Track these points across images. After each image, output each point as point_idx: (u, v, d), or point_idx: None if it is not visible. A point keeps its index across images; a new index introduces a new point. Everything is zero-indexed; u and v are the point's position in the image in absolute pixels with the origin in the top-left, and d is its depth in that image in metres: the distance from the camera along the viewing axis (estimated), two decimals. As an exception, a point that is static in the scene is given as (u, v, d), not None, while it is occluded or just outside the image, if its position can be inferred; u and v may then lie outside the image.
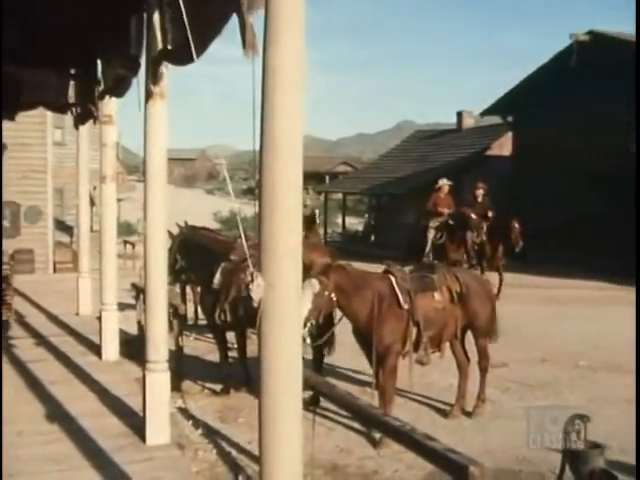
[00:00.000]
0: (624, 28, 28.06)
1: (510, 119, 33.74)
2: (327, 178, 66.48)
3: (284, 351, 4.53)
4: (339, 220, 49.58)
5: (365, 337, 8.75)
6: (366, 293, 8.65)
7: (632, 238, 21.96)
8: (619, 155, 25.75)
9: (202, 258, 11.02)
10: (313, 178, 70.44)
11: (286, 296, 4.52)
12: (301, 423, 4.87)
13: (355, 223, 52.14)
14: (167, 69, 7.31)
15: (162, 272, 8.17)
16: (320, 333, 9.24)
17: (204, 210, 52.43)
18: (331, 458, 8.09)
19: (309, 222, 22.10)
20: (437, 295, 9.19)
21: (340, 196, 50.42)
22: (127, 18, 7.41)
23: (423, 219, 22.28)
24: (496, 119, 36.53)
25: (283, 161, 4.46)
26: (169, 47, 6.52)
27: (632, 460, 7.49)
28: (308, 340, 8.38)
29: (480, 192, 22.29)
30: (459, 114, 43.77)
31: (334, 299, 8.42)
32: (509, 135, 34.94)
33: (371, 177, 43.00)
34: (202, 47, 5.33)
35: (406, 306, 8.78)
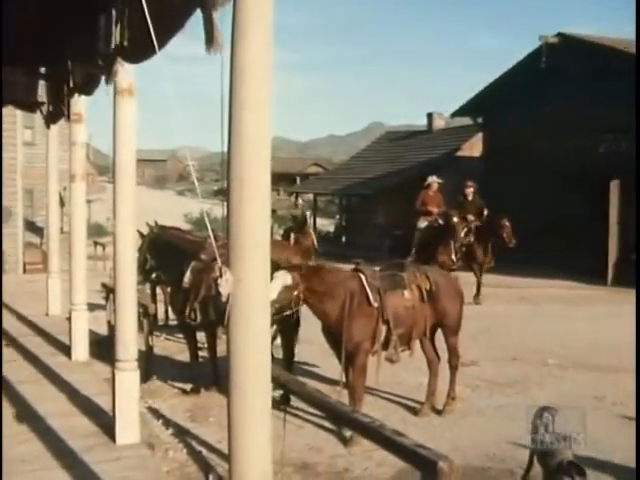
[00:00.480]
0: (592, 30, 28.36)
1: (480, 120, 33.79)
2: (298, 179, 66.52)
3: (252, 346, 4.53)
4: (310, 221, 49.53)
5: (335, 335, 8.75)
6: (336, 291, 8.66)
7: (603, 237, 22.21)
8: (589, 155, 25.92)
9: (172, 257, 10.99)
10: (284, 179, 70.52)
11: (254, 291, 4.52)
12: (270, 419, 4.86)
13: (326, 224, 52.12)
14: (123, 66, 7.26)
15: (131, 271, 8.15)
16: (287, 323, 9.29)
17: (175, 211, 52.26)
18: (301, 456, 8.09)
19: (301, 223, 22.32)
20: (407, 293, 9.19)
21: (311, 197, 50.43)
22: (96, 15, 7.36)
23: (411, 219, 21.45)
24: (467, 120, 36.64)
25: (251, 156, 4.45)
26: (125, 44, 6.47)
27: (600, 455, 7.61)
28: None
29: (470, 190, 22.17)
30: (429, 115, 43.91)
31: (301, 297, 8.43)
32: (479, 136, 34.98)
33: (342, 178, 43.03)
34: (162, 43, 5.28)
35: (376, 304, 8.78)
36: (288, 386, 6.63)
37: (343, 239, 41.16)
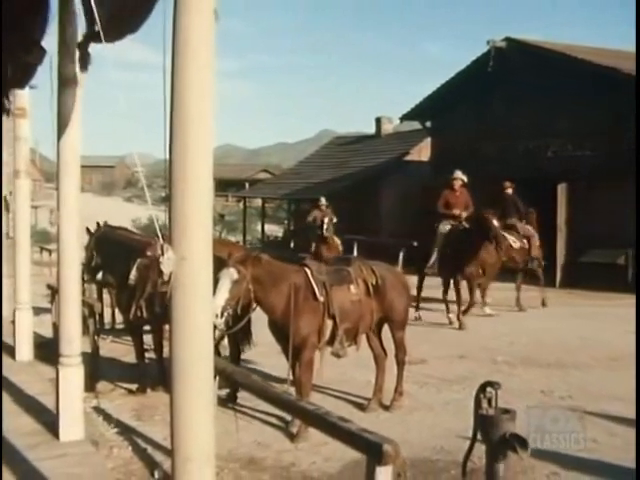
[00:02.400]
0: (539, 36, 28.65)
1: (429, 124, 33.91)
2: (247, 185, 66.36)
3: (195, 324, 4.48)
4: (259, 227, 49.45)
5: (281, 330, 8.70)
6: (282, 285, 8.61)
7: (551, 240, 22.43)
8: (537, 159, 26.19)
9: (118, 255, 10.89)
10: (233, 185, 70.43)
11: (197, 270, 4.46)
12: (213, 399, 4.83)
13: (275, 230, 52.08)
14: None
15: (75, 266, 8.06)
16: (236, 325, 9.17)
17: (123, 217, 51.75)
18: (248, 452, 8.06)
19: (322, 229, 22.14)
20: (353, 288, 9.17)
21: (259, 203, 50.37)
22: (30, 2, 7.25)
23: (433, 220, 18.13)
24: (416, 125, 36.71)
25: (193, 128, 4.40)
26: (96, 28, 6.36)
27: (547, 447, 7.66)
28: (222, 326, 8.31)
29: (509, 191, 20.18)
30: (378, 120, 43.94)
31: (251, 289, 8.37)
32: (428, 140, 35.11)
33: (290, 183, 42.97)
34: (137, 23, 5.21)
35: (322, 298, 8.75)
36: (234, 377, 6.59)
37: (292, 244, 41.10)
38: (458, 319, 16.08)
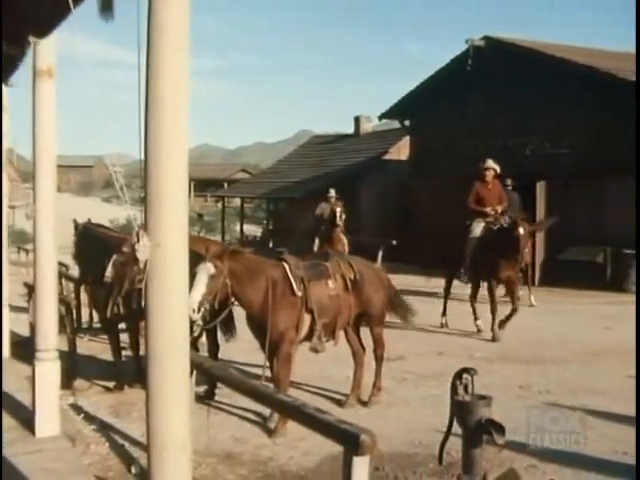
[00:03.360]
0: (518, 35, 28.67)
1: (408, 123, 33.87)
2: (225, 185, 66.26)
3: (171, 311, 4.44)
4: (238, 227, 49.37)
5: (259, 325, 8.66)
6: (260, 280, 8.59)
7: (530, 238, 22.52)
8: (516, 157, 26.23)
9: (93, 252, 10.83)
10: (211, 185, 70.32)
11: (173, 257, 4.43)
12: (189, 386, 4.80)
13: (254, 230, 51.99)
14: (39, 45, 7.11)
15: (51, 263, 8.03)
16: (214, 320, 9.11)
17: (101, 218, 51.45)
18: (225, 447, 8.06)
19: (330, 225, 20.88)
20: (331, 283, 9.16)
21: (238, 203, 50.30)
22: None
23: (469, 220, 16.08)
24: (396, 124, 36.67)
25: (168, 113, 4.36)
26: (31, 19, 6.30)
27: (525, 439, 7.70)
28: (199, 321, 8.28)
29: (509, 188, 19.32)
30: (357, 119, 43.90)
31: (229, 284, 8.33)
32: (407, 139, 35.06)
33: (268, 182, 42.86)
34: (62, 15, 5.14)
35: (300, 293, 8.73)
36: (211, 371, 6.56)
37: (270, 243, 41.04)
38: (492, 330, 14.49)
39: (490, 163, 16.45)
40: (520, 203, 19.96)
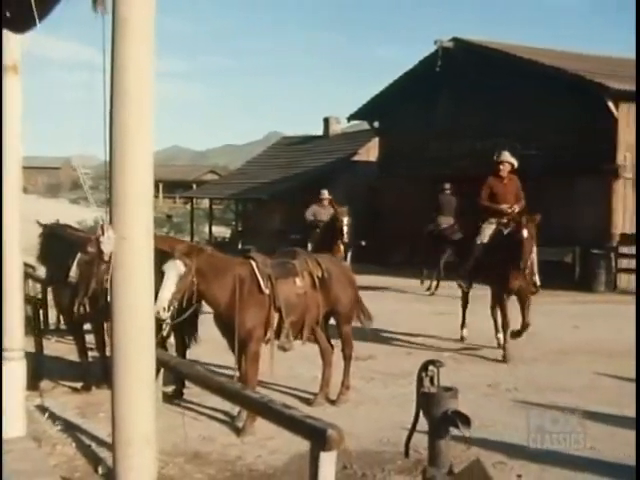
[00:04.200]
0: (485, 37, 28.77)
1: (377, 124, 33.91)
2: (194, 186, 66.09)
3: (136, 303, 4.42)
4: (207, 229, 49.21)
5: (226, 323, 8.59)
6: (227, 278, 8.51)
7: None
8: (485, 159, 26.27)
9: (59, 251, 10.71)
10: (180, 186, 70.10)
11: (137, 248, 4.41)
12: (154, 382, 4.77)
13: (223, 231, 51.83)
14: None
15: (16, 263, 7.95)
16: (183, 319, 9.02)
17: (69, 219, 51.24)
18: (193, 446, 7.98)
19: (329, 230, 18.61)
20: (299, 280, 9.11)
21: (207, 205, 50.16)
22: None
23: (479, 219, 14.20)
24: (365, 126, 36.71)
25: (133, 108, 4.34)
26: (7, 13, 6.25)
27: (493, 436, 7.74)
28: (169, 320, 8.22)
29: (447, 192, 19.53)
30: (326, 120, 43.97)
31: (195, 282, 8.26)
32: (376, 140, 35.12)
33: (237, 183, 42.78)
34: (44, 12, 5.13)
35: (267, 291, 8.68)
36: (178, 369, 6.53)
37: (239, 245, 40.95)
38: (503, 347, 12.72)
39: (506, 156, 14.28)
40: (455, 205, 20.08)
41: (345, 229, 18.01)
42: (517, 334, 12.82)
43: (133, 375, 4.46)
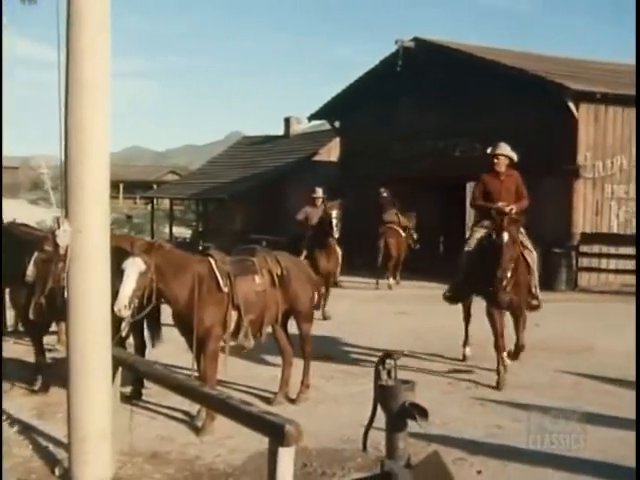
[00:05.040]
0: (445, 37, 28.81)
1: (337, 124, 33.81)
2: (155, 187, 65.75)
3: (92, 296, 4.38)
4: (167, 230, 48.91)
5: (185, 321, 8.51)
6: (185, 275, 8.43)
7: (458, 239, 22.76)
8: (446, 159, 26.37)
9: (15, 250, 10.57)
10: (140, 187, 69.72)
11: (93, 242, 4.37)
12: (110, 376, 4.72)
13: (183, 232, 51.57)
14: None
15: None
16: (142, 318, 8.92)
17: (28, 219, 50.86)
18: (152, 446, 7.94)
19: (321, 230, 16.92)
20: (258, 278, 9.04)
21: (168, 205, 49.92)
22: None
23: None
24: (327, 126, 36.56)
25: (89, 100, 4.29)
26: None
27: (452, 432, 7.77)
28: (129, 318, 8.11)
29: (384, 195, 19.24)
30: (287, 120, 43.90)
31: (154, 279, 8.11)
32: (337, 140, 35.03)
33: (198, 183, 42.51)
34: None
35: (226, 289, 8.61)
36: (136, 367, 6.46)
37: (200, 245, 40.78)
38: (497, 371, 10.76)
39: (502, 148, 11.95)
40: (395, 203, 20.19)
41: (334, 222, 16.59)
42: (514, 356, 11.44)
43: (89, 370, 4.42)
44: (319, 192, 19.04)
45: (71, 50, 4.27)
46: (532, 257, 11.35)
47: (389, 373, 4.98)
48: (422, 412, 4.69)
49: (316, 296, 10.40)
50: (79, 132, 4.30)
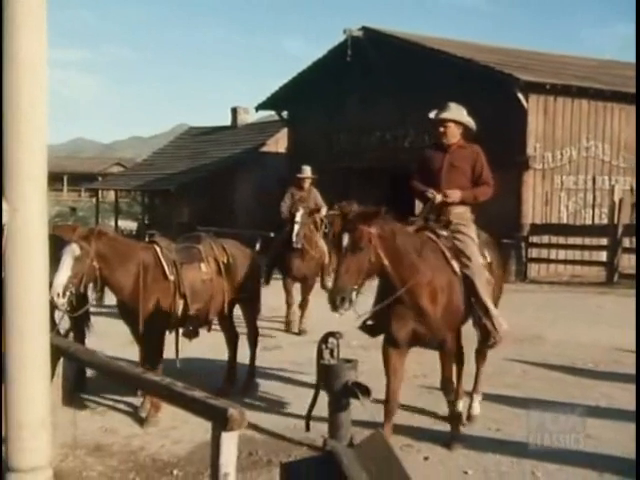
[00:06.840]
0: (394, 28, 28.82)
1: (285, 114, 33.66)
2: (100, 179, 65.11)
3: (30, 279, 4.26)
4: (113, 222, 48.41)
5: (130, 311, 8.30)
6: (130, 263, 8.18)
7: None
8: (394, 150, 26.35)
9: None
10: (85, 179, 68.95)
11: (30, 220, 4.27)
12: (48, 361, 4.59)
13: (130, 225, 51.08)
14: None
15: None
16: (81, 306, 8.68)
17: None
18: (95, 438, 7.81)
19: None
20: (204, 266, 8.86)
21: (113, 198, 49.49)
22: None
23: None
24: (275, 116, 36.38)
25: (27, 79, 4.16)
26: None
27: (399, 420, 7.72)
28: (65, 306, 7.90)
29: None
30: (234, 110, 43.67)
31: (97, 267, 7.92)
32: (285, 131, 34.87)
33: (144, 174, 42.17)
34: None
35: (172, 277, 8.41)
36: (77, 355, 6.31)
37: (146, 238, 40.38)
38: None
39: (451, 111, 8.59)
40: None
41: (296, 228, 13.75)
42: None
43: (27, 355, 4.29)
44: (307, 171, 15.95)
45: (5, 23, 4.15)
46: (472, 269, 7.77)
47: (332, 353, 4.94)
48: (364, 390, 4.66)
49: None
50: (16, 106, 4.17)
